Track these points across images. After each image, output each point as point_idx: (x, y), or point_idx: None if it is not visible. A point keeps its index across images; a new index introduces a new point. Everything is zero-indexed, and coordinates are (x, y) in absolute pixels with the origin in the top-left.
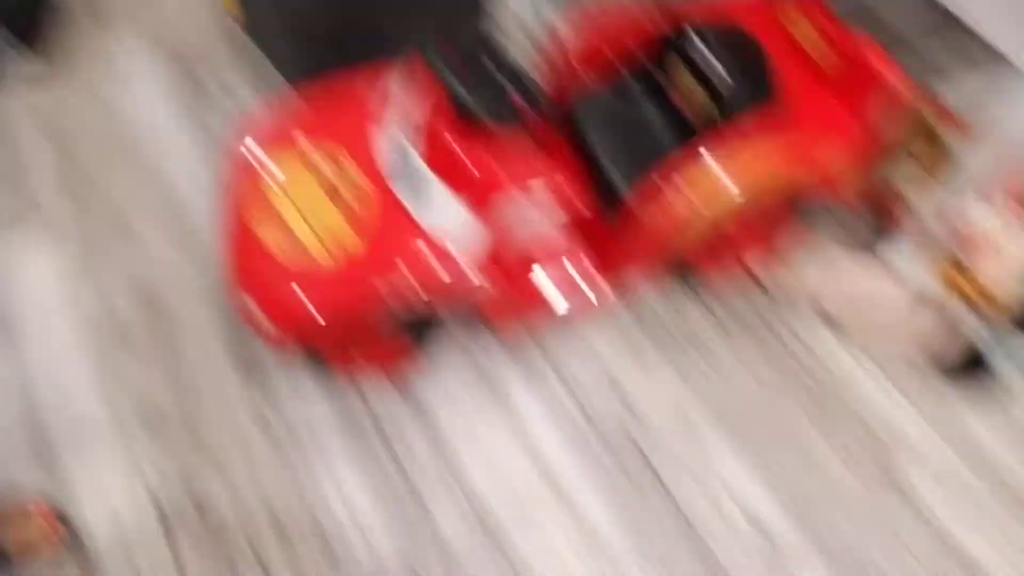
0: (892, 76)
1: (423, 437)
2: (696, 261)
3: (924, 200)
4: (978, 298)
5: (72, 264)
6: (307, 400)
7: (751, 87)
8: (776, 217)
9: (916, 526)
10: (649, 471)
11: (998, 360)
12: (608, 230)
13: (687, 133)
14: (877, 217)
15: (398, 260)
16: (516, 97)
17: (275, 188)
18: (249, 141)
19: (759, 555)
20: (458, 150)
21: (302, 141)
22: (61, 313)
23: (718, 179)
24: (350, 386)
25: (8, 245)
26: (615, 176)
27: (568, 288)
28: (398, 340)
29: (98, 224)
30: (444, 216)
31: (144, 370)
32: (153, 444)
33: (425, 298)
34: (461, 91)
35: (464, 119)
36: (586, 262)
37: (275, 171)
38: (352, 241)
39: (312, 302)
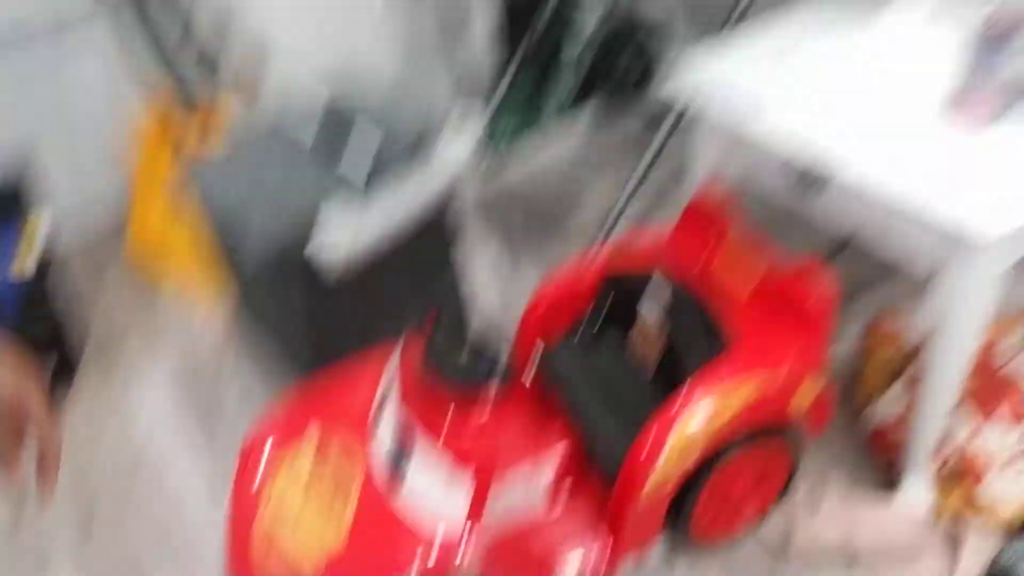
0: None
1: None
2: (705, 524)
3: (923, 425)
4: (989, 517)
5: None
6: None
7: (706, 343)
8: (771, 467)
9: None
10: None
11: None
12: (606, 498)
13: (653, 385)
14: (879, 455)
15: (378, 552)
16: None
17: (271, 493)
18: (251, 442)
19: None
20: (447, 425)
21: (310, 431)
22: None
23: (698, 432)
24: None
25: None
26: (607, 444)
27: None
28: None
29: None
30: (430, 496)
31: None
32: None
33: None
34: (443, 360)
35: (450, 391)
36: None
37: (276, 479)
38: (333, 538)
39: None
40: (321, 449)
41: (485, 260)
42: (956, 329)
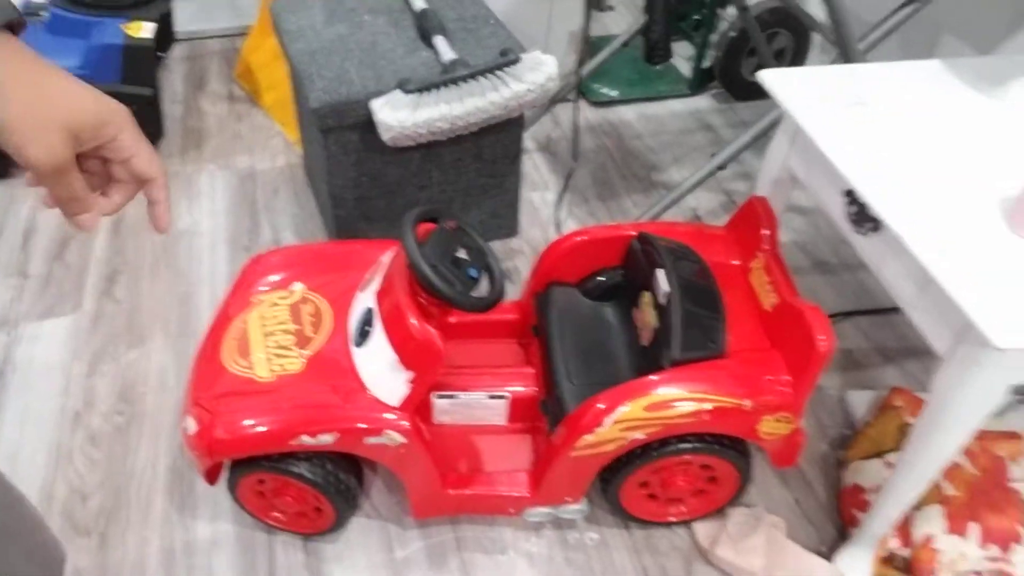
0: (824, 350)
1: None
2: (634, 504)
3: (887, 504)
4: None
5: (81, 360)
6: (216, 525)
7: (704, 342)
8: (721, 476)
9: None
10: None
11: None
12: (548, 441)
13: (638, 357)
14: (843, 513)
15: (325, 388)
16: (478, 279)
17: (254, 312)
18: (253, 267)
19: None
20: (413, 323)
21: (296, 286)
22: (51, 400)
23: (653, 418)
24: (262, 527)
25: (39, 333)
26: (566, 388)
27: (500, 488)
28: (320, 502)
29: (119, 324)
30: (381, 373)
31: (90, 467)
32: (63, 537)
33: (339, 437)
34: (423, 264)
35: (426, 293)
36: (522, 469)
37: (262, 298)
38: (293, 363)
39: (239, 416)
40: (296, 307)
41: (543, 197)
42: (943, 423)
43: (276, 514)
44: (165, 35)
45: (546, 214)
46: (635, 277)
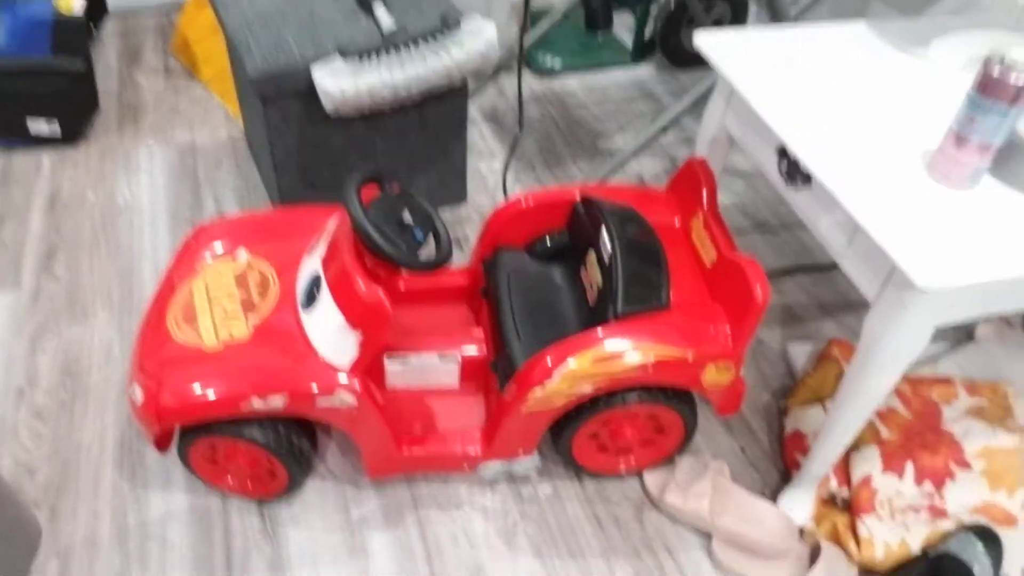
0: (761, 300)
1: (265, 559)
2: (586, 456)
3: (825, 447)
4: (852, 546)
5: (21, 337)
6: (169, 496)
7: (647, 296)
8: (667, 426)
9: None
10: None
11: None
12: (498, 398)
13: (585, 315)
14: (787, 459)
15: (274, 352)
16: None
17: (199, 280)
18: (197, 237)
19: None
20: (359, 285)
21: (241, 253)
22: None
23: (599, 371)
24: (216, 495)
25: None
26: (515, 347)
27: (453, 445)
28: (273, 465)
29: (60, 301)
30: (330, 336)
31: (36, 441)
32: None
33: (290, 400)
34: (366, 225)
35: (371, 255)
36: (475, 426)
37: (206, 266)
38: (240, 328)
39: (186, 381)
40: (243, 274)
41: (490, 165)
42: (873, 365)
43: (229, 479)
44: (97, 9)
45: (493, 181)
46: (580, 238)
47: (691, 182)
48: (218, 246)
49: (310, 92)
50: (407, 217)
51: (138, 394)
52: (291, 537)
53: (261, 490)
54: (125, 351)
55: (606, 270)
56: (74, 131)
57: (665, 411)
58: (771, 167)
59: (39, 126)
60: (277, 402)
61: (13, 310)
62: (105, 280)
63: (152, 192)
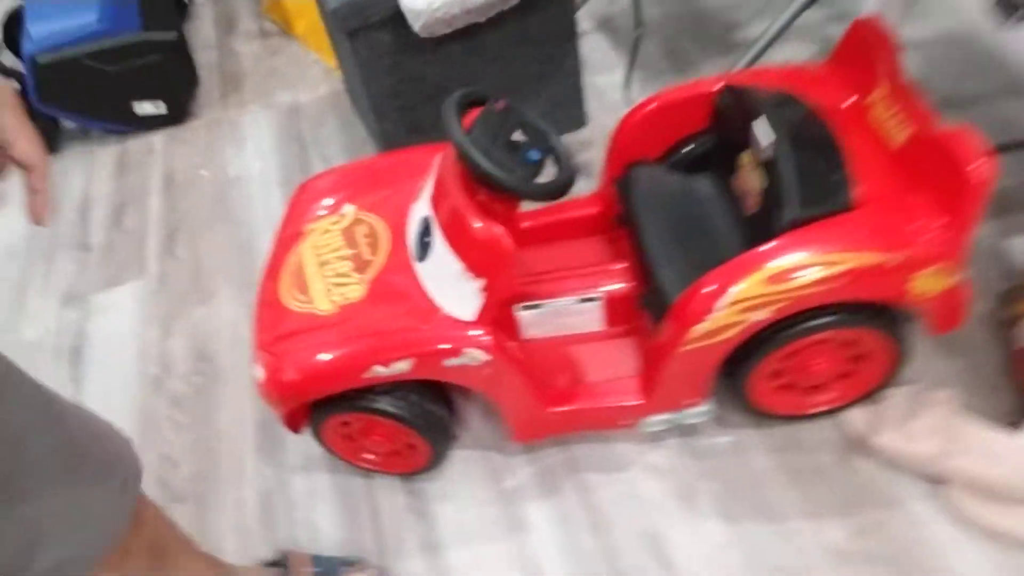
0: (979, 178)
1: (417, 539)
2: (768, 398)
3: None
4: None
5: (152, 324)
6: (312, 477)
7: (824, 195)
8: (870, 352)
9: None
10: None
11: None
12: (654, 339)
13: (745, 228)
14: (1018, 379)
15: (392, 312)
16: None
17: (306, 244)
18: (299, 197)
19: None
20: (473, 221)
21: (346, 208)
22: (130, 369)
23: (775, 291)
24: (359, 474)
25: (108, 304)
26: (665, 277)
27: (607, 399)
28: (411, 437)
29: (184, 282)
30: (449, 286)
31: (177, 432)
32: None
33: (416, 364)
34: (472, 150)
35: (484, 188)
36: (630, 375)
37: (312, 227)
38: (354, 290)
39: (304, 354)
40: (350, 230)
41: (609, 80)
42: None
43: (368, 456)
44: None
45: (615, 97)
46: (728, 138)
47: (862, 49)
48: (322, 204)
49: (397, 16)
50: (518, 136)
51: (259, 373)
52: (442, 514)
53: (403, 465)
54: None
55: (767, 170)
56: (179, 109)
57: (866, 335)
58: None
59: (144, 108)
60: (402, 367)
61: (142, 297)
62: (225, 256)
63: (261, 160)
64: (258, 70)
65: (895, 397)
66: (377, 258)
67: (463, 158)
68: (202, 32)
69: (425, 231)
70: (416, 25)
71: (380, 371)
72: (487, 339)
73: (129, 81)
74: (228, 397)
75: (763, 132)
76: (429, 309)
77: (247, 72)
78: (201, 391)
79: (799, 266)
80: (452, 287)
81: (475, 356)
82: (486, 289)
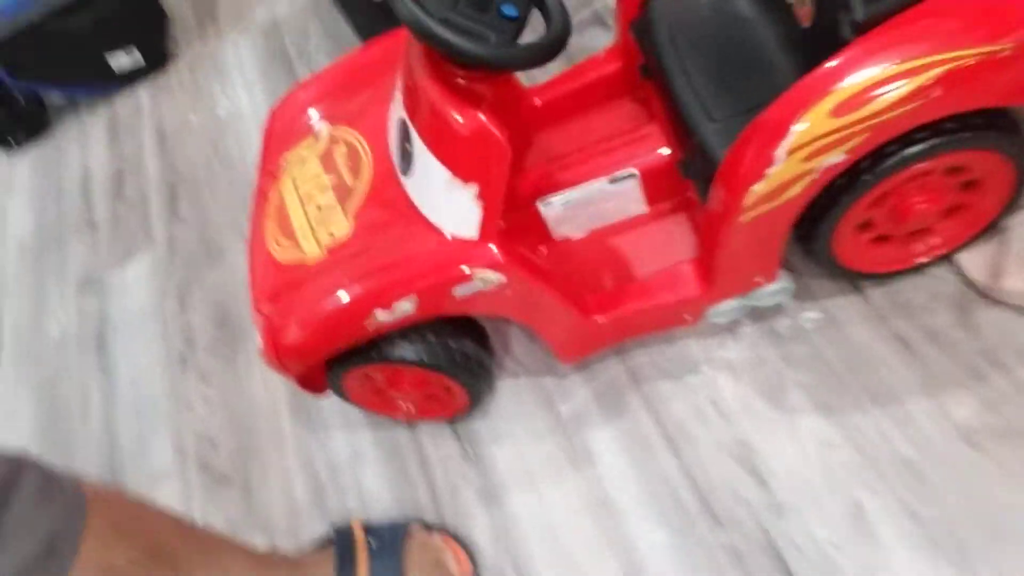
0: None
1: (474, 488)
2: (858, 256)
3: None
4: None
5: (169, 296)
6: (354, 436)
7: None
8: (981, 178)
9: None
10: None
11: None
12: (705, 212)
13: (799, 49)
14: None
15: (384, 243)
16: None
17: (286, 178)
18: (271, 125)
19: None
20: (450, 113)
21: (320, 126)
22: (155, 348)
23: (857, 115)
24: (402, 425)
25: (124, 282)
26: (706, 131)
27: (661, 293)
28: (441, 379)
29: (192, 242)
30: (440, 200)
31: (209, 409)
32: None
33: (421, 301)
34: (423, 18)
35: (461, 68)
36: (684, 260)
37: (288, 157)
38: (340, 224)
39: (299, 310)
40: (327, 152)
41: None
42: None
43: (404, 406)
44: None
45: None
46: None
47: None
48: (295, 127)
49: None
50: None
51: (258, 340)
52: (497, 456)
53: (444, 410)
54: None
55: None
56: (156, 52)
57: (975, 155)
58: None
59: (120, 60)
60: (406, 307)
61: (154, 269)
62: (230, 207)
63: (248, 91)
64: None
65: (1020, 228)
66: (360, 182)
67: (418, 34)
68: None
69: (405, 136)
70: None
71: (383, 317)
72: (496, 255)
73: (96, 33)
74: (254, 365)
75: None
76: (424, 231)
77: None
78: (227, 361)
79: (876, 83)
80: (445, 201)
81: (487, 278)
82: (481, 196)
